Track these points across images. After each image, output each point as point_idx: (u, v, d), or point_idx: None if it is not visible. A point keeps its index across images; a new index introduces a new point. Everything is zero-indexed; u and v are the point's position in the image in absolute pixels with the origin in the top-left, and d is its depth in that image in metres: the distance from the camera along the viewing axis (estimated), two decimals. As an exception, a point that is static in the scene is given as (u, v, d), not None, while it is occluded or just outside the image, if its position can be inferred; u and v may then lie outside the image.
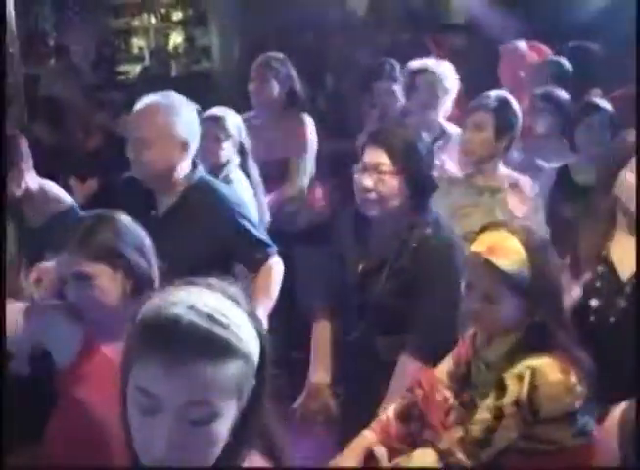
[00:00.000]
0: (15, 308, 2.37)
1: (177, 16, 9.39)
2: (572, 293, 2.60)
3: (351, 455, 2.38)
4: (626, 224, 2.60)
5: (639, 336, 2.41)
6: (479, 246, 2.29)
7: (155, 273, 2.35)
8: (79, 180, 5.25)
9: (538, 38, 5.60)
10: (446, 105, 4.33)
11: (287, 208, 4.65)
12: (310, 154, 4.72)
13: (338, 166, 4.55)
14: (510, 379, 2.20)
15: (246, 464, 1.42)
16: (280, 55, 4.77)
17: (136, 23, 9.26)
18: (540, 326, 2.26)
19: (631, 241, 2.55)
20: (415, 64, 4.39)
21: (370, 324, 2.83)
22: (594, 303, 2.60)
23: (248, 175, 4.18)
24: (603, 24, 5.84)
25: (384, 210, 2.80)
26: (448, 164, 4.00)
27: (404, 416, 2.42)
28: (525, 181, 3.61)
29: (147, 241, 2.37)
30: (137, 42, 9.27)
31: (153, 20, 9.32)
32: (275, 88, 4.69)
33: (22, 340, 2.32)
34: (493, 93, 3.70)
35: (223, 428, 1.33)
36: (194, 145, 3.07)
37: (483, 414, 2.22)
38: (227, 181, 3.98)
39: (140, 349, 1.32)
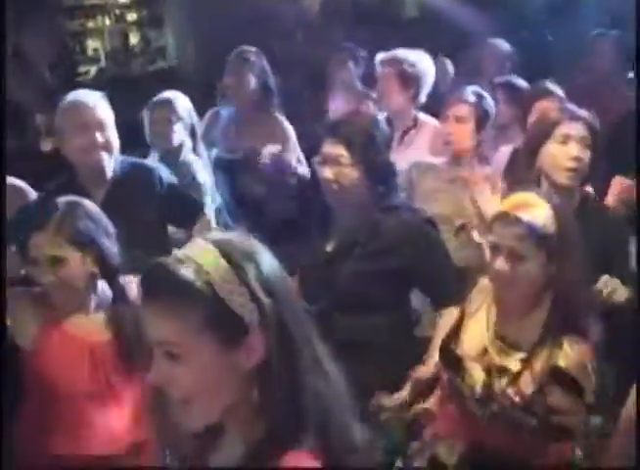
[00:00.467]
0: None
1: (132, 17, 9.35)
2: None
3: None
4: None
5: (638, 329, 2.49)
6: (506, 206, 2.36)
7: (117, 259, 2.42)
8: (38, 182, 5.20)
9: (494, 29, 5.66)
10: (420, 94, 4.39)
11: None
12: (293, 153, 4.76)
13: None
14: None
15: (285, 463, 1.32)
16: (253, 48, 4.78)
17: (91, 24, 9.19)
18: (564, 301, 2.32)
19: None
20: (384, 54, 4.45)
21: (331, 301, 2.87)
22: None
23: (199, 157, 4.25)
24: (556, 18, 5.94)
25: (347, 198, 2.91)
26: (422, 152, 4.06)
27: None
28: (497, 174, 3.74)
29: (111, 227, 2.43)
30: (92, 44, 9.20)
31: (107, 21, 9.26)
32: (251, 81, 4.69)
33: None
34: (469, 88, 3.89)
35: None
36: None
37: None
38: (184, 164, 4.03)
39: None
